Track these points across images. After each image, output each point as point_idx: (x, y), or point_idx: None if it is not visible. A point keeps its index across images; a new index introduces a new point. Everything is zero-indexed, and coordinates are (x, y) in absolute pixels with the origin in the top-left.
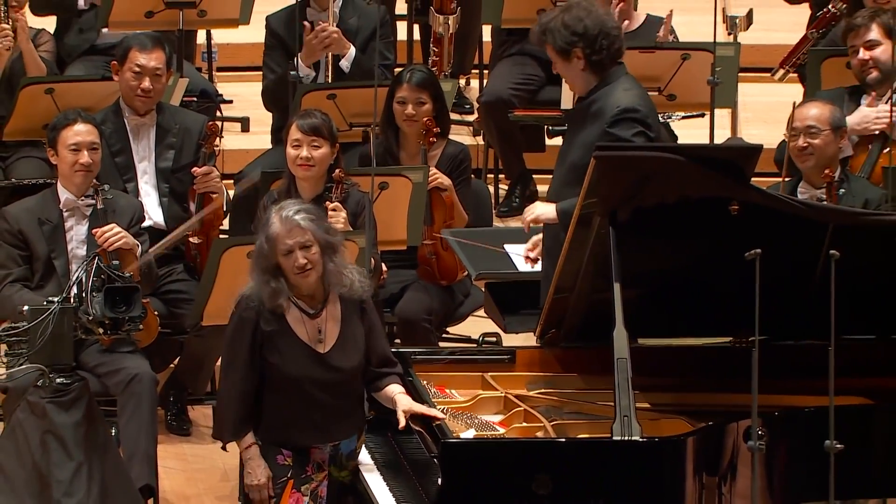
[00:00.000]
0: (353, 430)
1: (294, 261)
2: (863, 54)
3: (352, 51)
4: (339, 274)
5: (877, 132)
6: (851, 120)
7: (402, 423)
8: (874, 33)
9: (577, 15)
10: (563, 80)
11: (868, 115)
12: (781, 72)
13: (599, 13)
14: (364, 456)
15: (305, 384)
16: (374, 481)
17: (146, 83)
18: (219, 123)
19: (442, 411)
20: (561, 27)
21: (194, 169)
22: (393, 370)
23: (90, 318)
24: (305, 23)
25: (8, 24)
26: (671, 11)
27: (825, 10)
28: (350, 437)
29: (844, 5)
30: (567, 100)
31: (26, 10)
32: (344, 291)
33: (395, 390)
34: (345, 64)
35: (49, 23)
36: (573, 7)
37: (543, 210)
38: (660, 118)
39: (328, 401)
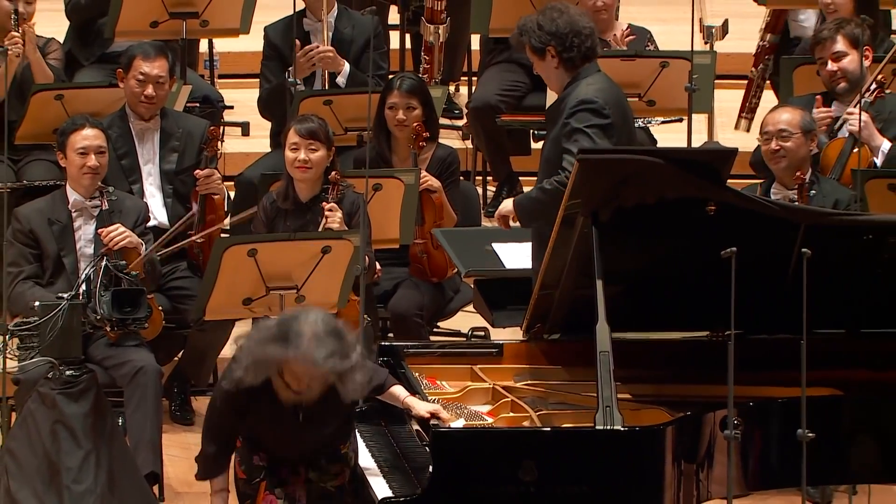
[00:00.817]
0: (334, 448)
1: (293, 384)
2: (830, 66)
3: (346, 67)
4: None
5: (828, 127)
6: None
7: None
8: (840, 45)
9: (550, 16)
10: (544, 80)
11: (816, 116)
12: (744, 122)
13: (572, 14)
14: (362, 453)
15: (281, 436)
16: (371, 472)
17: (149, 90)
18: (220, 128)
19: (433, 402)
20: (535, 27)
21: (197, 171)
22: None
23: (98, 317)
24: (297, 41)
25: (18, 31)
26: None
27: (757, 45)
28: (329, 453)
29: (776, 36)
30: None
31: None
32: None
33: (403, 393)
34: (340, 80)
35: (59, 32)
36: (548, 9)
37: (503, 205)
38: (640, 123)
39: (304, 447)
